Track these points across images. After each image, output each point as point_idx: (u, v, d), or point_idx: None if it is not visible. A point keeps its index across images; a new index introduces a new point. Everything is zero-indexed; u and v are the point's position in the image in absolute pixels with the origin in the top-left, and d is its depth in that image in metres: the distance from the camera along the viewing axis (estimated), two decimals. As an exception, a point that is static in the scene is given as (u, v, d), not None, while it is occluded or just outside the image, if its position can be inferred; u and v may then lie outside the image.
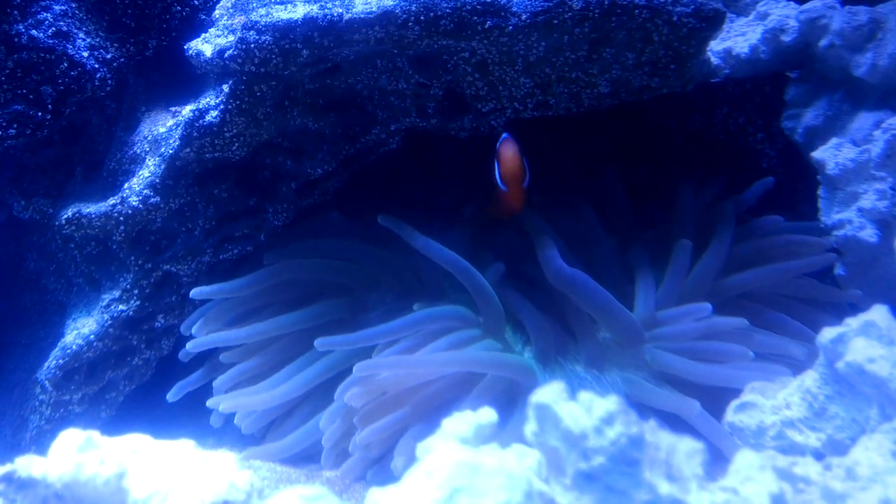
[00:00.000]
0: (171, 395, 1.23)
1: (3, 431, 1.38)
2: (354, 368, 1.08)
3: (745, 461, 0.68)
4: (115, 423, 1.29)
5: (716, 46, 1.37)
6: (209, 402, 1.17)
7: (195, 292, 1.24)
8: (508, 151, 1.13)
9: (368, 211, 1.39)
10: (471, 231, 1.33)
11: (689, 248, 1.23)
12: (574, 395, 0.67)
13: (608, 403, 0.64)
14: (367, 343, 1.16)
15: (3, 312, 1.54)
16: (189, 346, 1.21)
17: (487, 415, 0.72)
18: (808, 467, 0.71)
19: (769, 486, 0.66)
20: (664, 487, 0.62)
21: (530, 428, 0.68)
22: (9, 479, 0.67)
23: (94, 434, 0.72)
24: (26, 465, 0.68)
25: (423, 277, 1.28)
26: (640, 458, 0.62)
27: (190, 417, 1.26)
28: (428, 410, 1.10)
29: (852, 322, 0.85)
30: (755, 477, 0.67)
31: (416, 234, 1.22)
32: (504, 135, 1.18)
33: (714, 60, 1.37)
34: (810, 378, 0.89)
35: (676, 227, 1.29)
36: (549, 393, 0.66)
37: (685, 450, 0.64)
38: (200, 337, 1.21)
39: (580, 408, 0.64)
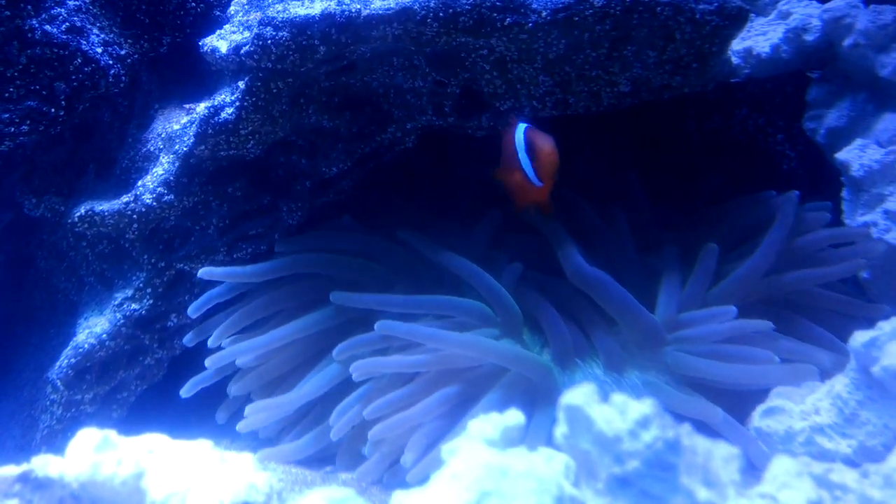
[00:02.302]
0: (185, 391, 1.21)
1: (13, 431, 1.36)
2: (376, 326, 1.07)
3: (781, 467, 0.66)
4: (127, 424, 1.28)
5: (736, 46, 1.35)
6: (239, 427, 1.15)
7: (204, 272, 1.22)
8: (547, 146, 1.03)
9: (383, 210, 1.38)
10: (489, 233, 1.31)
11: (716, 251, 1.20)
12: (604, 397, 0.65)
13: (643, 406, 0.62)
14: (382, 307, 1.15)
15: (12, 311, 1.53)
16: (208, 362, 1.19)
17: (514, 417, 0.70)
18: (844, 474, 0.69)
19: (807, 492, 0.64)
20: (702, 493, 0.60)
21: (560, 430, 0.66)
22: (25, 478, 0.65)
23: (111, 433, 0.70)
24: (43, 464, 0.66)
25: (441, 276, 1.26)
26: (677, 463, 0.60)
27: (202, 418, 1.25)
28: (443, 410, 1.09)
29: (885, 326, 0.83)
30: (792, 483, 0.65)
31: (433, 246, 1.22)
32: (523, 123, 1.10)
33: (734, 60, 1.35)
34: (840, 383, 0.87)
35: (713, 229, 1.26)
36: (581, 394, 0.65)
37: (722, 455, 0.62)
38: (221, 352, 1.20)
39: (614, 410, 0.62)
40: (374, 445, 1.06)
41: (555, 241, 1.22)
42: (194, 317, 1.23)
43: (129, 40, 1.31)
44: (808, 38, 1.27)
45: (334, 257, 1.25)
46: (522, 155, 1.05)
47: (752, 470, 0.79)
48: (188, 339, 1.25)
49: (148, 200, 1.22)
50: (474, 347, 1.10)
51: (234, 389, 1.19)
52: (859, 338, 0.84)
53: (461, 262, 1.20)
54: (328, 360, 1.17)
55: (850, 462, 0.83)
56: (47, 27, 1.22)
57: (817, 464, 0.70)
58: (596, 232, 1.29)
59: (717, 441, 0.64)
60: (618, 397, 0.64)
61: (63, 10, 1.24)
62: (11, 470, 0.67)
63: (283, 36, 1.12)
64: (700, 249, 1.23)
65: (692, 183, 1.40)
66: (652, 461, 0.61)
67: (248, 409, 1.15)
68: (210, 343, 1.21)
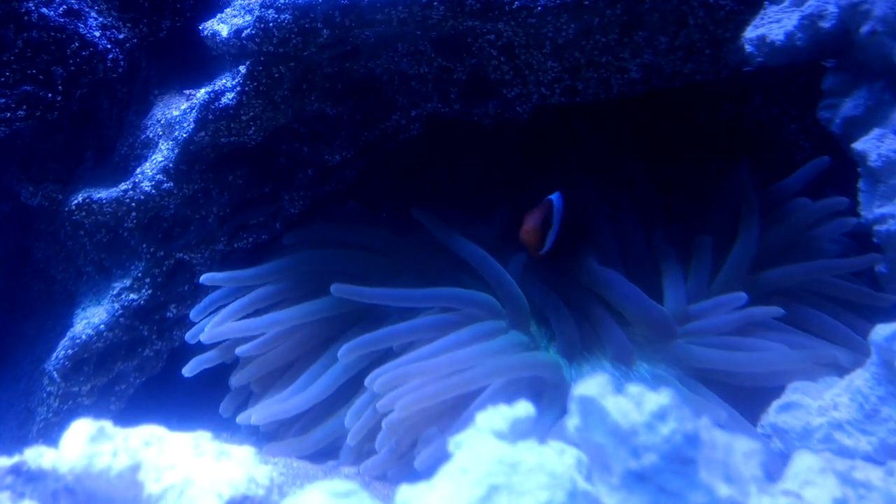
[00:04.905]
0: (188, 370, 1.18)
1: (9, 424, 1.34)
2: (374, 385, 1.03)
3: (804, 464, 0.63)
4: (125, 417, 1.25)
5: (749, 34, 1.31)
6: (239, 419, 1.13)
7: (206, 278, 1.19)
8: (529, 224, 1.12)
9: (387, 199, 1.35)
10: (498, 226, 1.29)
11: (709, 242, 1.19)
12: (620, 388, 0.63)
13: (660, 398, 0.59)
14: (387, 302, 1.12)
15: (9, 302, 1.51)
16: (203, 336, 1.16)
17: (524, 408, 0.67)
18: (868, 472, 0.66)
19: (832, 490, 0.61)
20: (722, 490, 0.57)
21: (573, 422, 0.63)
22: (17, 470, 0.63)
23: (107, 424, 0.68)
24: (36, 456, 0.64)
25: (444, 268, 1.23)
26: (696, 458, 0.57)
27: (201, 410, 1.22)
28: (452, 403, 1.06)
29: (908, 318, 0.80)
30: (816, 481, 0.62)
31: (445, 229, 1.20)
32: (554, 195, 1.17)
33: (747, 48, 1.31)
34: (860, 378, 0.84)
35: (713, 218, 1.24)
36: (595, 385, 0.62)
37: (743, 450, 0.60)
38: (217, 327, 1.17)
39: (629, 402, 0.60)
40: (388, 430, 1.03)
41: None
42: (197, 321, 1.20)
43: (127, 24, 1.28)
44: (824, 25, 1.23)
45: (337, 252, 1.22)
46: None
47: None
48: (190, 336, 1.22)
49: (147, 188, 1.20)
50: (484, 376, 1.05)
51: (235, 380, 1.16)
52: (881, 331, 0.80)
53: (473, 248, 1.17)
54: (330, 355, 1.14)
55: (871, 459, 0.80)
56: (44, 10, 1.19)
57: (840, 460, 0.67)
58: (605, 223, 1.27)
59: (737, 435, 0.61)
60: (634, 388, 0.61)
61: (60, -8, 1.21)
62: (3, 462, 0.65)
63: (285, 19, 1.09)
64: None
65: (704, 173, 1.37)
66: (670, 455, 0.58)
67: (252, 412, 1.12)
68: (206, 330, 1.18)
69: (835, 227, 1.22)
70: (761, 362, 1.03)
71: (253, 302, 1.20)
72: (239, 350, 1.15)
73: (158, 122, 1.25)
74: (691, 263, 1.20)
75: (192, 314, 1.21)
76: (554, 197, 1.17)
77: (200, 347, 1.21)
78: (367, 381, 1.04)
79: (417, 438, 1.02)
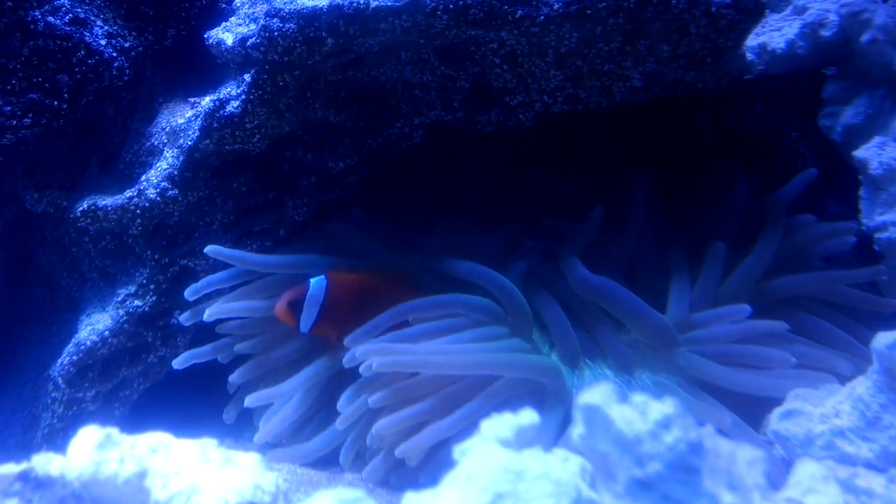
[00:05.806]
0: (178, 363, 1.18)
1: (13, 430, 1.34)
2: (375, 364, 1.04)
3: (806, 471, 0.64)
4: (129, 423, 1.26)
5: (750, 42, 1.32)
6: (256, 439, 1.13)
7: (210, 249, 1.17)
8: (279, 303, 1.13)
9: (389, 207, 1.36)
10: (503, 236, 1.30)
11: (724, 250, 1.19)
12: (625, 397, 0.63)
13: (665, 406, 0.60)
14: (393, 320, 1.12)
15: (13, 309, 1.51)
16: (208, 313, 1.15)
17: (529, 416, 0.68)
18: (870, 479, 0.67)
19: (834, 498, 0.62)
20: (726, 497, 0.57)
21: (577, 431, 0.63)
22: (25, 477, 0.63)
23: (114, 431, 0.68)
24: (43, 463, 0.64)
25: (443, 281, 1.24)
26: (700, 466, 0.58)
27: (206, 418, 1.23)
28: (451, 409, 1.06)
29: (910, 326, 0.80)
30: (818, 488, 0.63)
31: (435, 258, 1.20)
32: (317, 279, 1.15)
33: (748, 56, 1.32)
34: (862, 385, 0.85)
35: (718, 225, 1.25)
36: (599, 394, 0.62)
37: (746, 458, 0.60)
38: (221, 304, 1.16)
39: (634, 410, 0.60)
40: (377, 439, 1.03)
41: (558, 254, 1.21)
42: (192, 300, 1.20)
43: (133, 32, 1.29)
44: (825, 33, 1.24)
45: (343, 259, 1.23)
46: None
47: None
48: (185, 318, 1.21)
49: (151, 195, 1.21)
50: (482, 365, 1.06)
51: (235, 378, 1.17)
52: (882, 339, 0.81)
53: (469, 266, 1.18)
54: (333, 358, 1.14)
55: (872, 467, 0.81)
56: (50, 18, 1.20)
57: (842, 468, 0.67)
58: (610, 231, 1.28)
59: (740, 443, 0.61)
60: (638, 397, 0.61)
61: (66, 1, 1.22)
62: (11, 468, 0.65)
63: (290, 28, 1.10)
64: (708, 246, 1.22)
65: (706, 180, 1.38)
66: (674, 463, 0.58)
67: (269, 429, 1.12)
68: (206, 316, 1.17)
69: (825, 248, 1.22)
70: (761, 387, 1.03)
71: (257, 290, 1.20)
72: (237, 347, 1.16)
73: (163, 129, 1.26)
74: (702, 268, 1.20)
75: (187, 293, 1.19)
76: (315, 281, 1.15)
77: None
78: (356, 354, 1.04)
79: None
